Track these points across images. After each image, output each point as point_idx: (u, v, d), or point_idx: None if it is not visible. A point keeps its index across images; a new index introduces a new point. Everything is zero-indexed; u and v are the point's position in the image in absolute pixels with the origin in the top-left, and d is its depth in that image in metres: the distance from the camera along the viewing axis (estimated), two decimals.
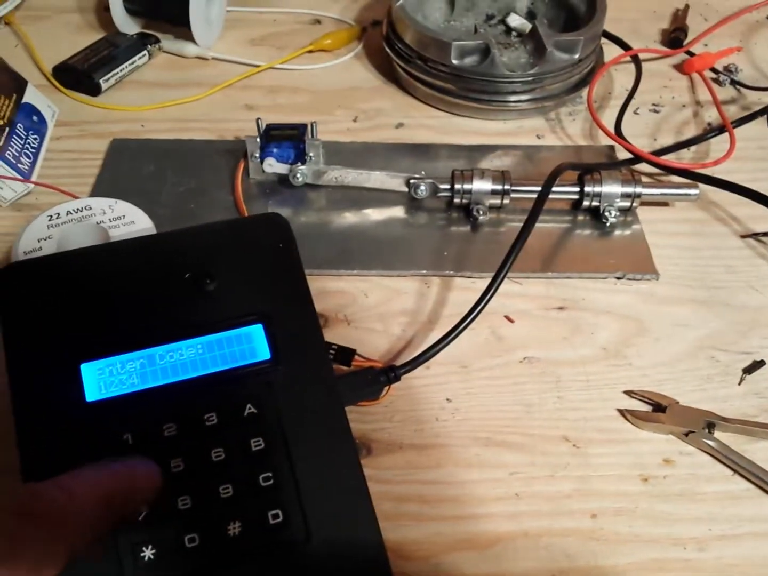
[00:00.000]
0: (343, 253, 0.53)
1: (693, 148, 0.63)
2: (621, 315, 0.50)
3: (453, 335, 0.45)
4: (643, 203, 0.55)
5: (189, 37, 0.69)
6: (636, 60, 0.69)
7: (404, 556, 0.38)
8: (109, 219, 0.47)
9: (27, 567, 0.26)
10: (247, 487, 0.35)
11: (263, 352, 0.38)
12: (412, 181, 0.55)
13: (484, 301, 0.46)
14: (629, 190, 0.54)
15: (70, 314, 0.37)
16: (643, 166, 0.59)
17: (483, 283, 0.47)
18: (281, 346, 0.38)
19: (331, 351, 0.45)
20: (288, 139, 0.56)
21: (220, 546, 0.34)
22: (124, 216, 0.47)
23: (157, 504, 0.34)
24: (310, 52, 0.72)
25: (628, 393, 0.45)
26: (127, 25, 0.71)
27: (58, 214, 0.47)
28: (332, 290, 0.50)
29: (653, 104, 0.68)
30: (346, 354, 0.45)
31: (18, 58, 0.68)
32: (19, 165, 0.54)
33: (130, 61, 0.67)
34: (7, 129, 0.55)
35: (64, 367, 0.36)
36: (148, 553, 0.34)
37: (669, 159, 0.59)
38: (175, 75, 0.69)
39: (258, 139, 0.55)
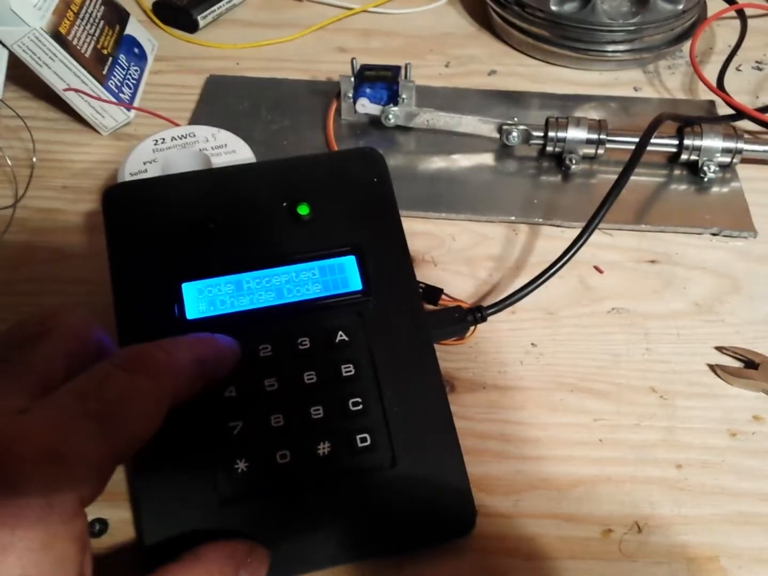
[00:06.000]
0: (431, 196, 0.52)
1: None
2: (715, 271, 0.48)
3: (541, 280, 0.44)
4: (743, 160, 0.53)
5: None
6: (741, 15, 0.66)
7: (485, 490, 0.38)
8: (212, 147, 0.47)
9: (136, 418, 0.28)
10: (337, 410, 0.36)
11: (355, 283, 0.38)
12: (504, 127, 0.54)
13: (575, 249, 0.45)
14: (731, 145, 0.52)
15: (172, 235, 0.38)
16: (744, 123, 0.56)
17: (572, 233, 0.46)
18: (373, 279, 0.39)
19: (419, 288, 0.45)
20: (382, 80, 0.55)
21: (310, 464, 0.35)
22: (226, 145, 0.48)
23: (252, 417, 0.35)
24: None
25: (719, 349, 0.44)
26: None
27: (163, 139, 0.48)
28: (420, 232, 0.50)
29: (756, 62, 0.65)
30: (434, 292, 0.45)
31: None
32: (121, 95, 0.56)
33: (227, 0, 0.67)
34: (110, 59, 0.56)
35: (165, 286, 0.37)
36: (241, 465, 0.35)
37: None
38: (270, 15, 0.69)
39: (352, 79, 0.55)
